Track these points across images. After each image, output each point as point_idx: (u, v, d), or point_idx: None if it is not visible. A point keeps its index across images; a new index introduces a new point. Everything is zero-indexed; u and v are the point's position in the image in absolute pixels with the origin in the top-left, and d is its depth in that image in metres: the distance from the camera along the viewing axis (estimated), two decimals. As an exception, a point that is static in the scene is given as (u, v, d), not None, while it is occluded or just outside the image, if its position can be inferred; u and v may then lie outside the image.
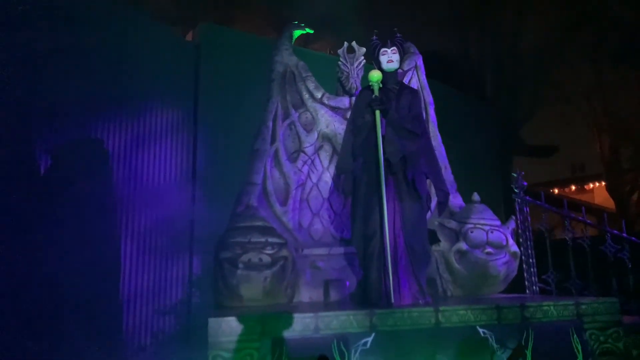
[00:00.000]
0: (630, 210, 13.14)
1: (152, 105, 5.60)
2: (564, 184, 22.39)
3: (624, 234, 4.31)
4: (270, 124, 4.36)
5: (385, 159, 3.20)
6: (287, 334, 2.59)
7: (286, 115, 4.42)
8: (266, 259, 3.44)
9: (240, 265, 3.39)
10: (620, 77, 12.40)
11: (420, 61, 4.73)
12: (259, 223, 3.66)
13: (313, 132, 4.39)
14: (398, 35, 3.51)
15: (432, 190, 3.62)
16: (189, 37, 6.44)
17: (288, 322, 2.62)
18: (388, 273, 3.03)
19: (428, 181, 3.48)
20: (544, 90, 12.22)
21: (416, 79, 4.65)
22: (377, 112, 3.23)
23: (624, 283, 4.27)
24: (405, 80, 4.56)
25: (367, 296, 3.19)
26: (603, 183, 15.97)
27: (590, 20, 11.05)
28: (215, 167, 5.80)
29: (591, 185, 21.96)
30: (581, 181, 22.23)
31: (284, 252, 3.53)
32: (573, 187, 22.35)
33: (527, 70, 11.43)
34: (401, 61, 3.69)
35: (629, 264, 4.25)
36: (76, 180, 4.76)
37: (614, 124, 12.98)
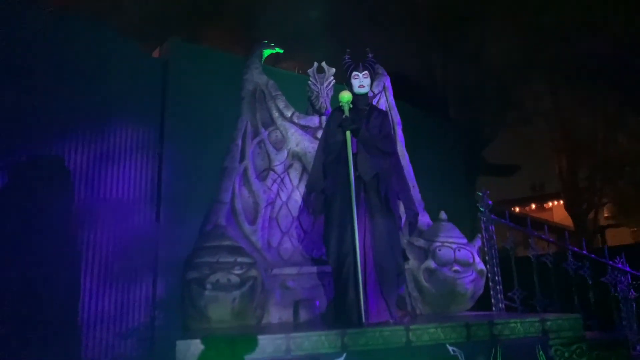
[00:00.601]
0: (588, 227, 13.66)
1: (117, 122, 5.48)
2: (524, 202, 23.10)
3: (584, 252, 4.45)
4: (240, 142, 4.32)
5: (357, 177, 3.22)
6: (258, 356, 2.54)
7: (256, 134, 4.40)
8: (235, 279, 3.37)
9: (208, 286, 3.31)
10: (577, 99, 13.00)
11: (388, 82, 4.82)
12: (228, 242, 3.60)
13: (283, 151, 4.38)
14: (370, 56, 3.56)
15: (402, 209, 3.65)
16: (156, 53, 6.36)
17: (258, 344, 2.57)
18: (359, 292, 3.03)
19: (399, 201, 3.51)
20: (506, 112, 12.66)
21: (384, 100, 4.73)
22: (348, 132, 3.26)
23: (585, 299, 4.40)
24: (374, 101, 4.63)
25: (339, 315, 3.17)
26: (561, 202, 16.57)
27: (548, 45, 11.56)
28: (182, 186, 5.69)
29: (550, 204, 22.74)
30: (541, 200, 23.00)
31: (253, 272, 3.48)
32: (533, 206, 23.08)
33: (489, 92, 11.82)
34: (372, 83, 3.74)
35: (590, 280, 4.39)
36: (35, 198, 4.59)
37: (570, 145, 13.54)
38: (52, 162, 4.95)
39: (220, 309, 3.31)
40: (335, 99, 4.17)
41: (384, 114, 3.57)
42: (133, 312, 5.30)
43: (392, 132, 3.59)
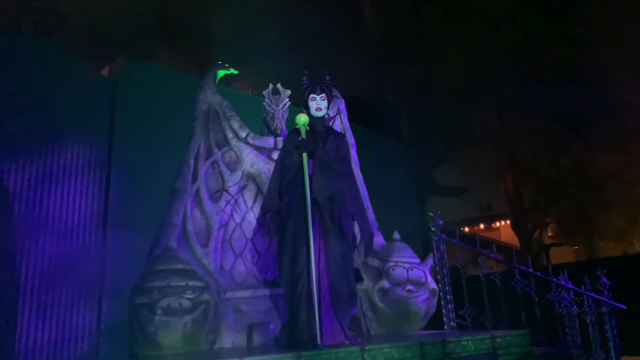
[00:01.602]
0: (533, 246, 14.21)
1: (63, 142, 5.28)
2: (473, 222, 23.85)
3: (530, 269, 4.62)
4: (192, 162, 4.24)
5: (312, 199, 3.23)
6: (209, 383, 2.45)
7: (209, 154, 4.33)
8: (186, 303, 3.27)
9: (159, 311, 3.18)
10: (522, 124, 13.66)
11: (342, 105, 4.90)
12: (179, 266, 3.49)
13: (237, 172, 4.33)
14: (327, 78, 3.60)
15: (357, 230, 3.67)
16: (105, 72, 6.21)
17: (210, 371, 2.48)
18: (315, 314, 3.00)
19: (354, 222, 3.53)
20: (455, 135, 13.13)
21: (339, 122, 4.79)
22: (304, 154, 3.27)
23: (533, 316, 4.54)
24: (329, 124, 4.69)
25: (294, 338, 3.12)
26: (508, 221, 17.21)
27: (494, 72, 12.15)
28: (130, 208, 5.52)
29: (498, 224, 23.58)
30: (489, 220, 23.82)
31: (206, 296, 3.38)
32: (482, 226, 23.85)
33: (439, 115, 12.24)
34: (328, 105, 3.77)
35: (536, 297, 4.54)
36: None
37: (516, 167, 14.15)
38: (-10, 183, 4.68)
39: (171, 334, 3.19)
40: (290, 120, 4.18)
41: (340, 136, 3.61)
42: (75, 340, 5.03)
43: (348, 154, 3.63)
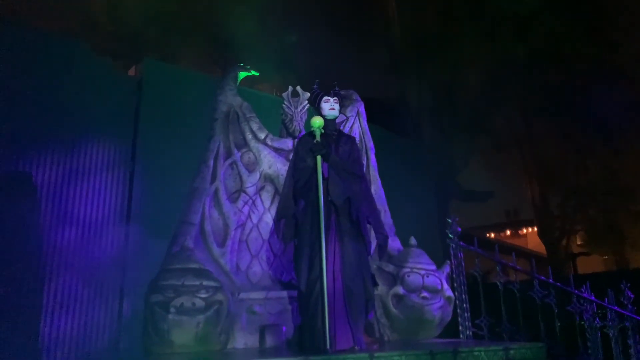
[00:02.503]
0: (560, 254, 13.86)
1: (88, 140, 5.40)
2: (499, 228, 23.44)
3: (551, 280, 4.51)
4: (212, 162, 4.30)
5: (329, 201, 3.23)
6: (217, 384, 2.47)
7: (228, 155, 4.38)
8: (200, 303, 3.31)
9: (172, 310, 3.23)
10: (549, 128, 13.35)
11: (362, 108, 4.88)
12: (194, 265, 3.53)
13: (255, 172, 4.36)
14: (337, 89, 3.64)
15: (372, 235, 3.65)
16: (131, 72, 6.34)
17: (218, 371, 2.51)
18: (325, 318, 3.00)
19: (369, 225, 3.52)
20: (480, 138, 12.92)
21: (358, 125, 4.78)
22: (319, 157, 3.28)
23: (552, 327, 4.43)
24: (348, 126, 4.68)
25: (305, 342, 3.13)
26: (535, 228, 16.84)
27: (521, 74, 11.90)
28: (152, 206, 5.60)
29: (525, 230, 23.11)
30: (515, 226, 23.36)
31: (219, 296, 3.41)
32: (508, 232, 23.42)
33: (463, 118, 12.06)
34: (341, 110, 3.80)
35: (556, 309, 4.43)
36: (1, 215, 4.47)
37: (542, 172, 13.83)
38: (19, 179, 4.84)
39: (183, 333, 3.23)
40: (308, 122, 4.19)
41: (352, 140, 3.61)
42: (97, 335, 5.14)
43: (360, 157, 3.63)
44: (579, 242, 17.65)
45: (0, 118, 4.76)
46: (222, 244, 4.08)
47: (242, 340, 3.64)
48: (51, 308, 4.80)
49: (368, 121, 4.90)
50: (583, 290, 4.50)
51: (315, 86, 3.65)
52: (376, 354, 2.81)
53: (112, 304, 5.28)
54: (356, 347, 3.08)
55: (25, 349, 4.52)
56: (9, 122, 4.80)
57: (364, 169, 3.79)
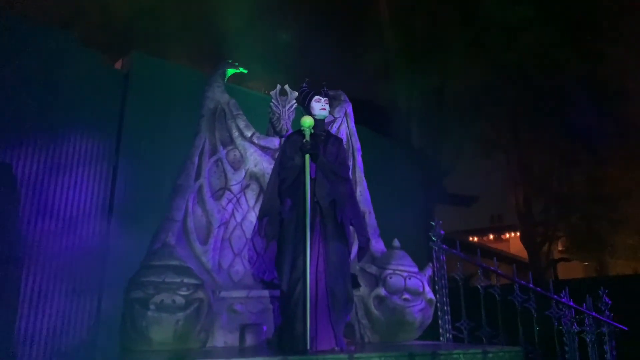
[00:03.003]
0: (541, 260, 14.04)
1: (71, 132, 5.32)
2: (483, 232, 23.67)
3: (531, 285, 4.56)
4: (196, 159, 4.26)
5: (315, 202, 3.22)
6: (194, 382, 2.45)
7: (213, 152, 4.34)
8: (180, 300, 3.27)
9: (152, 307, 3.20)
10: (534, 136, 13.50)
11: (350, 109, 4.88)
12: (175, 262, 3.50)
13: (240, 170, 4.33)
14: (325, 89, 3.62)
15: (354, 237, 3.66)
16: (118, 64, 6.26)
17: (196, 370, 2.48)
18: (307, 318, 2.99)
19: (351, 227, 3.52)
20: (466, 143, 13.02)
21: (345, 126, 4.78)
22: (307, 156, 3.26)
23: (531, 332, 4.48)
24: (335, 127, 4.68)
25: (284, 342, 3.12)
26: (518, 233, 17.03)
27: (508, 82, 12.03)
28: (134, 201, 5.54)
29: (507, 235, 23.37)
30: (499, 231, 23.61)
31: (200, 294, 3.39)
32: (491, 236, 23.66)
33: (451, 123, 12.15)
34: (330, 110, 3.80)
35: (535, 313, 4.47)
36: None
37: (527, 179, 13.99)
38: (-2, 169, 4.75)
39: (162, 330, 3.20)
40: (296, 121, 4.17)
41: (339, 141, 3.60)
42: (74, 331, 5.07)
43: (347, 159, 3.62)
44: (560, 248, 17.90)
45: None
46: (204, 242, 4.05)
47: (222, 338, 3.61)
48: (27, 302, 4.72)
49: (356, 123, 4.90)
50: (562, 296, 4.56)
51: (304, 84, 3.63)
52: (356, 355, 2.81)
53: (90, 300, 5.20)
54: (336, 348, 3.08)
55: (3, 341, 4.44)
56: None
57: (350, 170, 3.78)
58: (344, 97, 4.94)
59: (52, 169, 5.10)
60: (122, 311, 3.36)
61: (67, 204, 5.17)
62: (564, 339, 4.54)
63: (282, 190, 3.39)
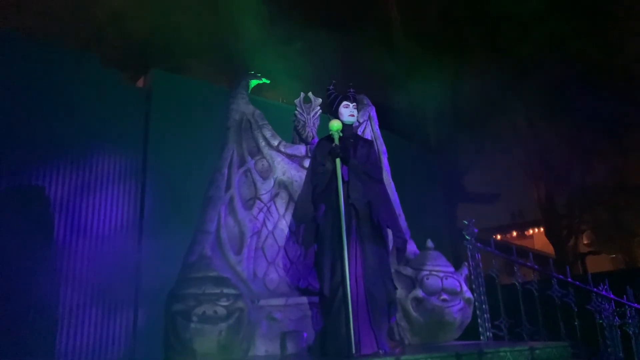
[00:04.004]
0: (568, 255, 13.82)
1: (99, 152, 5.45)
2: (505, 230, 23.36)
3: (569, 279, 4.49)
4: (226, 171, 4.29)
5: (350, 205, 3.22)
6: (246, 391, 2.46)
7: (242, 163, 4.38)
8: (221, 311, 3.30)
9: (194, 319, 3.22)
10: (554, 129, 13.34)
11: (373, 112, 4.89)
12: (213, 274, 3.52)
13: (269, 179, 4.36)
14: (352, 91, 3.61)
15: (390, 238, 3.64)
16: (140, 83, 6.37)
17: (246, 379, 2.50)
18: (349, 323, 2.98)
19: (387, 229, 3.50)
20: (484, 140, 12.91)
21: (370, 129, 4.78)
22: (338, 160, 3.27)
23: (571, 326, 4.41)
24: (359, 131, 4.69)
25: (328, 347, 3.11)
26: (542, 229, 16.79)
27: (526, 76, 11.91)
28: (164, 215, 5.63)
29: (531, 231, 23.03)
30: (521, 227, 23.28)
31: (240, 304, 3.40)
32: (514, 233, 23.34)
33: (468, 120, 12.07)
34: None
35: (575, 308, 4.40)
36: (15, 227, 4.48)
37: (548, 173, 13.81)
38: (31, 192, 4.87)
39: (206, 341, 3.22)
40: (321, 128, 4.19)
41: (369, 143, 3.60)
42: (112, 345, 5.14)
43: (378, 161, 3.62)
44: (586, 242, 17.60)
45: (12, 132, 4.79)
46: (238, 252, 4.07)
47: (263, 347, 3.62)
48: (67, 318, 4.81)
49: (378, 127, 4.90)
50: (601, 289, 4.48)
51: (331, 87, 3.62)
52: (402, 357, 2.79)
53: (127, 313, 5.28)
54: (381, 351, 3.07)
55: (44, 357, 4.52)
56: (20, 135, 4.83)
57: (382, 171, 3.77)
58: (366, 100, 4.95)
59: (83, 189, 5.22)
60: (164, 324, 3.39)
61: (100, 222, 5.27)
62: (605, 332, 4.45)
63: (315, 196, 3.40)
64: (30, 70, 5.06)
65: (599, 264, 17.13)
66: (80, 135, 5.31)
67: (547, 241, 14.95)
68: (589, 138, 12.69)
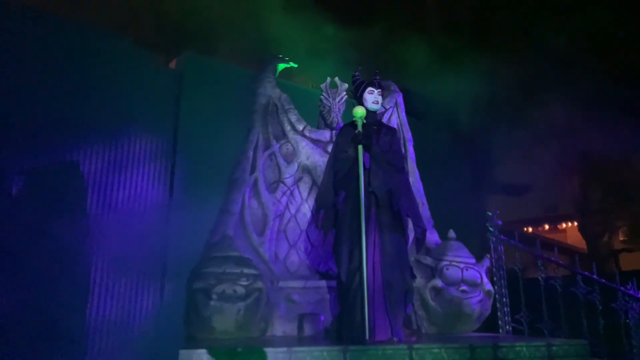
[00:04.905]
0: (601, 250, 13.43)
1: (131, 131, 5.58)
2: (537, 222, 22.82)
3: (595, 276, 4.38)
4: (251, 153, 4.36)
5: (370, 192, 3.23)
6: (259, 369, 2.53)
7: (267, 146, 4.43)
8: (240, 290, 3.38)
9: (214, 297, 3.32)
10: (589, 120, 12.87)
11: (400, 99, 4.85)
12: (235, 254, 3.61)
13: (293, 164, 4.40)
14: (378, 77, 3.58)
15: (410, 227, 3.64)
16: (172, 65, 6.47)
17: (260, 357, 2.57)
18: (365, 309, 3.01)
19: (407, 218, 3.50)
20: (518, 130, 12.58)
21: (396, 116, 4.75)
22: (360, 147, 3.27)
23: (595, 325, 4.31)
24: (386, 117, 4.66)
25: (343, 332, 3.15)
26: (575, 223, 16.34)
27: (561, 65, 11.51)
28: (192, 195, 5.74)
29: (564, 225, 22.44)
30: (554, 221, 22.71)
31: (259, 284, 3.48)
32: (547, 226, 22.79)
33: (501, 109, 11.77)
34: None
35: (600, 306, 4.30)
36: (47, 203, 4.67)
37: (583, 166, 13.38)
38: (65, 169, 5.06)
39: (224, 320, 3.32)
40: (346, 113, 4.18)
41: (393, 131, 3.58)
42: (139, 319, 5.34)
43: (401, 149, 3.59)
44: (621, 238, 17.03)
45: (49, 111, 4.96)
46: (261, 234, 4.15)
47: (281, 328, 3.70)
48: (97, 294, 5.01)
49: (405, 114, 4.85)
50: (629, 287, 4.36)
51: (357, 73, 3.61)
52: (415, 346, 2.81)
53: (154, 290, 5.46)
54: (395, 339, 3.09)
55: (73, 329, 4.74)
56: (57, 114, 5.00)
57: (404, 160, 3.76)
58: (394, 87, 4.90)
59: (115, 168, 5.38)
60: (186, 301, 3.50)
61: (130, 200, 5.43)
62: (631, 333, 4.35)
63: (336, 182, 3.41)
64: (66, 51, 5.21)
65: (634, 261, 16.58)
66: (114, 114, 5.45)
67: (581, 236, 14.55)
68: (626, 130, 12.20)
